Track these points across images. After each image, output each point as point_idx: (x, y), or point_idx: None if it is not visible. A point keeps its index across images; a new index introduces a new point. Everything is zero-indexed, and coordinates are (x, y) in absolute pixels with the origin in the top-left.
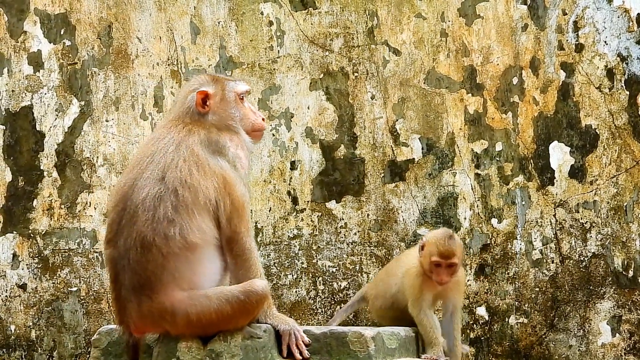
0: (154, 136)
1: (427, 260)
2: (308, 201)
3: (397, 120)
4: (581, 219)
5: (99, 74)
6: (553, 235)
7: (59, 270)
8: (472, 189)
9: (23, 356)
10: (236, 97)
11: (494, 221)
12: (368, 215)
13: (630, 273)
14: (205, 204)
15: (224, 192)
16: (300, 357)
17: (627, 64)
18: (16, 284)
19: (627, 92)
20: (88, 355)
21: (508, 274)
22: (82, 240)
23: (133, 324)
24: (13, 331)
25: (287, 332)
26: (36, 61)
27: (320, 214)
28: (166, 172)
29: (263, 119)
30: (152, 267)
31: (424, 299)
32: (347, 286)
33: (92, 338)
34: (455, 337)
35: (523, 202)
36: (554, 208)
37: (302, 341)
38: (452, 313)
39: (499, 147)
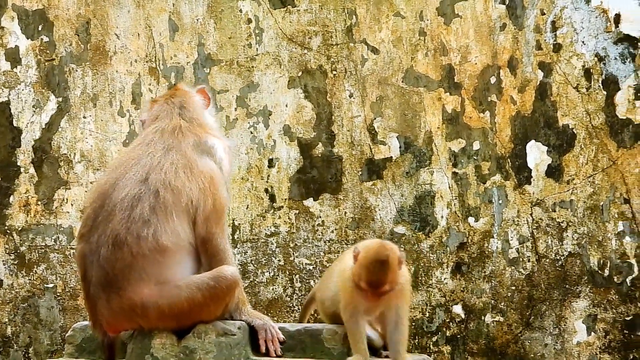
0: (142, 139)
1: (357, 279)
2: (285, 199)
3: (375, 118)
4: (557, 218)
5: (76, 71)
6: (529, 234)
7: (35, 266)
8: (449, 187)
9: None
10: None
11: (470, 220)
12: (345, 213)
13: (606, 272)
14: (187, 206)
15: (208, 192)
16: (274, 355)
17: (604, 64)
18: None
19: (604, 92)
20: (64, 352)
21: (484, 272)
22: (58, 237)
23: (105, 322)
24: None
25: (263, 328)
26: (14, 57)
27: (297, 211)
28: (150, 173)
29: None
30: (120, 265)
31: (356, 306)
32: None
33: (66, 334)
34: (398, 350)
35: (500, 201)
36: (531, 207)
37: (277, 338)
38: (395, 322)
39: (476, 146)
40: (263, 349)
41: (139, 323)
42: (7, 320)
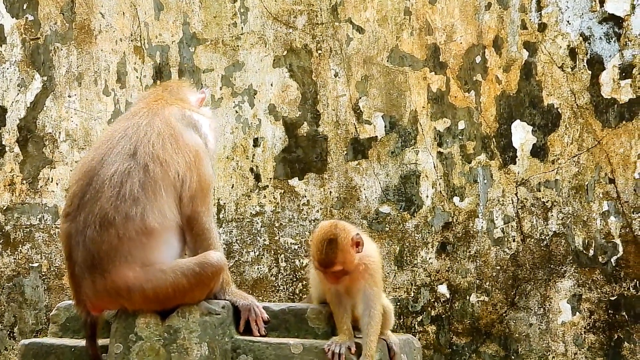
0: (127, 113)
1: (312, 259)
2: (271, 178)
3: (360, 98)
4: (542, 197)
5: (61, 49)
6: (514, 214)
7: (20, 245)
8: (434, 167)
9: None
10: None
11: (455, 199)
12: (331, 192)
13: (591, 252)
14: (174, 180)
15: (194, 167)
16: (258, 334)
17: (589, 43)
18: None
19: (589, 72)
20: (48, 331)
21: (469, 252)
22: (43, 216)
23: (89, 302)
24: None
25: (247, 307)
26: None
27: (282, 191)
28: (138, 147)
29: None
30: (106, 247)
31: (327, 287)
32: (309, 263)
33: (51, 314)
34: (367, 332)
35: (485, 181)
36: (516, 187)
37: (262, 318)
38: (365, 306)
39: (461, 125)
40: (242, 328)
41: (123, 304)
42: None
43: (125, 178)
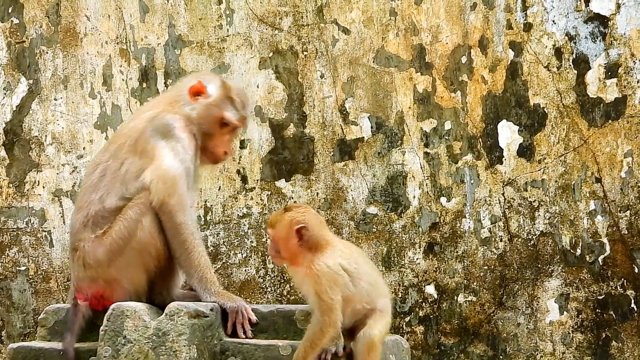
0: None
1: None
2: (257, 180)
3: (346, 99)
4: (529, 197)
5: (47, 53)
6: (502, 214)
7: (7, 249)
8: (421, 167)
9: None
10: (220, 117)
11: (442, 200)
12: (317, 194)
13: (578, 251)
14: (128, 175)
15: (151, 163)
16: (244, 337)
17: (575, 43)
18: None
19: (575, 71)
20: (37, 335)
21: (457, 252)
22: (30, 219)
23: (76, 289)
24: None
25: (234, 310)
26: None
27: (269, 192)
28: (110, 145)
29: (226, 153)
30: (77, 226)
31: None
32: None
33: (39, 317)
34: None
35: (472, 181)
36: (503, 187)
37: (250, 320)
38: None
39: (447, 125)
40: (229, 331)
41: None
42: None
43: (94, 168)
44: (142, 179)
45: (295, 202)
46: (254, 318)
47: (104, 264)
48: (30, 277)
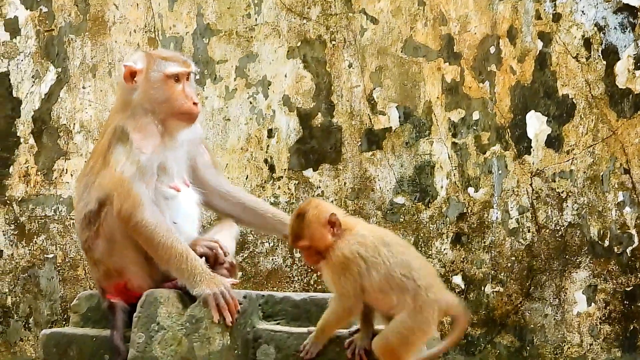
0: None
1: None
2: (285, 169)
3: (374, 88)
4: (557, 188)
5: (75, 41)
6: (529, 205)
7: (35, 237)
8: (449, 157)
9: None
10: (164, 77)
11: (470, 190)
12: (345, 183)
13: (606, 243)
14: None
15: (103, 173)
16: (230, 324)
17: (604, 33)
18: None
19: (604, 62)
20: (64, 322)
21: (484, 242)
22: (58, 207)
23: (103, 292)
24: None
25: (210, 296)
26: (13, 27)
27: (297, 182)
28: (92, 165)
29: (195, 103)
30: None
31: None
32: None
33: (72, 303)
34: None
35: (500, 171)
36: (531, 177)
37: (233, 306)
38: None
39: (476, 116)
40: (215, 318)
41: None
42: (7, 290)
43: (80, 182)
44: (103, 183)
45: (322, 192)
46: (236, 302)
47: (105, 256)
48: (58, 264)
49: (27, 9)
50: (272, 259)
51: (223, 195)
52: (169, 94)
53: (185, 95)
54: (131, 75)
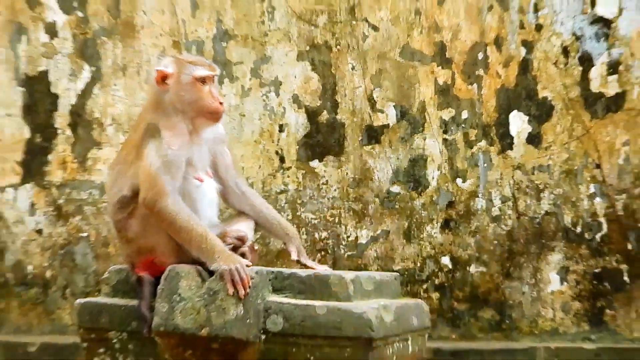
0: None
1: None
2: (294, 160)
3: (374, 89)
4: (536, 180)
5: (107, 43)
6: (511, 195)
7: (71, 217)
8: (440, 152)
9: (39, 293)
10: (193, 80)
11: (458, 181)
12: (347, 173)
13: (578, 229)
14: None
15: (137, 164)
16: (243, 296)
17: (580, 42)
18: (33, 229)
19: (580, 68)
20: (97, 293)
21: (470, 228)
22: (92, 192)
23: (132, 267)
24: (30, 271)
25: (227, 271)
26: (52, 30)
27: (304, 171)
28: (126, 154)
29: (221, 103)
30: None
31: None
32: (327, 236)
33: (103, 276)
34: None
35: (485, 165)
36: (513, 170)
37: (244, 279)
38: None
39: (464, 115)
40: (230, 291)
41: (129, 252)
42: (46, 264)
43: (113, 168)
44: (137, 177)
45: (327, 181)
46: (248, 278)
47: (139, 236)
48: (92, 242)
49: (64, 13)
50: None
51: (239, 195)
52: (198, 95)
53: (212, 96)
54: (162, 78)
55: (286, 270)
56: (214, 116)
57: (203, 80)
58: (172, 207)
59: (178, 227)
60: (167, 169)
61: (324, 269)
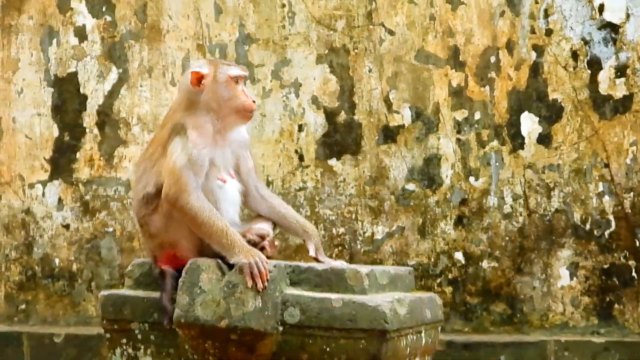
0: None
1: None
2: (312, 159)
3: (390, 91)
4: (546, 179)
5: (134, 46)
6: (522, 193)
7: (97, 213)
8: (453, 151)
9: (65, 285)
10: (229, 78)
11: (471, 179)
12: (364, 171)
13: (587, 226)
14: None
15: (162, 161)
16: (261, 290)
17: (589, 47)
18: (61, 224)
19: (589, 71)
20: (121, 285)
21: (482, 224)
22: (117, 188)
23: (155, 260)
24: (57, 264)
25: (246, 265)
26: (81, 34)
27: (322, 170)
28: (152, 151)
29: (253, 101)
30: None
31: None
32: (344, 232)
33: (126, 270)
34: None
35: (497, 164)
36: (524, 169)
37: (263, 272)
38: None
39: (477, 116)
40: (249, 284)
41: (152, 246)
42: (73, 258)
43: (140, 165)
44: (162, 174)
45: (344, 179)
46: (267, 272)
47: (162, 231)
48: (117, 237)
49: (93, 17)
50: None
51: (259, 198)
52: (233, 93)
53: (245, 94)
54: (198, 80)
55: (303, 264)
56: (247, 114)
57: (237, 79)
58: (195, 203)
59: (200, 222)
60: (191, 166)
61: (340, 264)
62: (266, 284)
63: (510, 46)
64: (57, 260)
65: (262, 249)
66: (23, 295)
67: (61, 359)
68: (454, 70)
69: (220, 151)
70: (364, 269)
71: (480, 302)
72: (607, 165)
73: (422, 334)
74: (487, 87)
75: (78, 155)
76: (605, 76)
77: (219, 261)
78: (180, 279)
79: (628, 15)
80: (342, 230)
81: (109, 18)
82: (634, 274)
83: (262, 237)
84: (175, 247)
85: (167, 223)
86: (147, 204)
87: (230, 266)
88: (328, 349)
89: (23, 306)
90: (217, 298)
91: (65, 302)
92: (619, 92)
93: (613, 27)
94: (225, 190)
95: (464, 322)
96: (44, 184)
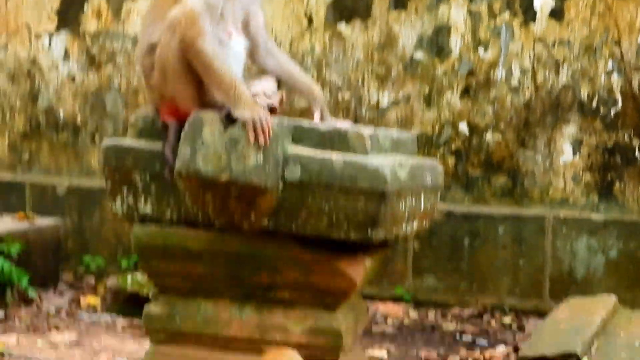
0: None
1: None
2: (322, 22)
3: None
4: (556, 54)
5: None
6: (530, 67)
7: (103, 66)
8: (464, 21)
9: (69, 137)
10: None
11: (480, 50)
12: (373, 37)
13: (594, 104)
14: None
15: (176, 7)
16: (263, 144)
17: None
18: (67, 75)
19: None
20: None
21: (489, 97)
22: (124, 42)
23: (158, 113)
24: (62, 116)
25: (249, 119)
26: None
27: (331, 34)
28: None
29: None
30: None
31: None
32: (350, 97)
33: (130, 121)
34: None
35: (507, 36)
36: (534, 43)
37: (266, 129)
38: None
39: None
40: (251, 139)
41: (156, 94)
42: (78, 110)
43: (148, 15)
44: (171, 14)
45: (352, 44)
46: (270, 128)
47: (160, 83)
48: (122, 91)
49: None
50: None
51: (267, 53)
52: None
53: None
54: None
55: (306, 123)
56: None
57: None
58: (209, 49)
59: (212, 71)
60: (208, 11)
61: (345, 124)
62: (269, 140)
63: None
64: (61, 112)
65: (270, 109)
66: (27, 145)
67: (63, 209)
68: None
69: (230, 3)
70: (366, 130)
71: (482, 173)
72: (618, 43)
73: (422, 199)
74: None
75: (86, 6)
76: None
77: (222, 115)
78: (182, 131)
79: None
80: (347, 95)
81: None
82: (637, 153)
83: (270, 98)
84: (176, 100)
85: (164, 76)
86: (151, 53)
87: (234, 122)
88: (327, 208)
89: (26, 156)
90: (219, 152)
91: (68, 153)
92: None
93: None
94: (231, 45)
95: (465, 192)
96: (50, 34)
